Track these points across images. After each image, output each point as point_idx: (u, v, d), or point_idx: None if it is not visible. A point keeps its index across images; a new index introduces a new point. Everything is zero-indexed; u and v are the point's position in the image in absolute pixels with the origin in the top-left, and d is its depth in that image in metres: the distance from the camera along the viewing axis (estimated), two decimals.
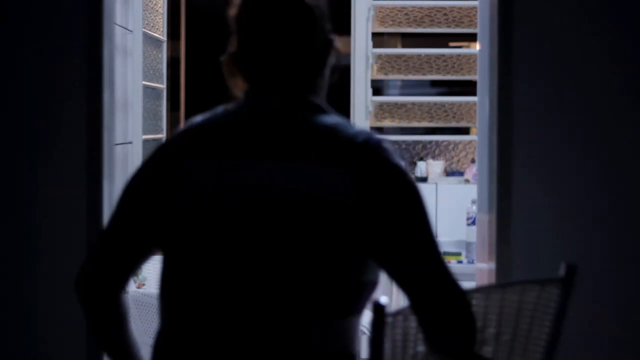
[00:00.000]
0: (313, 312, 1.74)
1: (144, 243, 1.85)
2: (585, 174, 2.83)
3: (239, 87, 1.87)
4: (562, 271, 1.99)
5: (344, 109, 6.29)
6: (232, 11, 1.81)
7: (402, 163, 1.76)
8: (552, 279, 2.05)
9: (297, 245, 1.73)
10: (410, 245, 1.75)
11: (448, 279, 1.75)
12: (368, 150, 1.75)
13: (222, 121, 1.84)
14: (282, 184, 1.75)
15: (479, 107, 3.04)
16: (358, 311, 1.79)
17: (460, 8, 5.94)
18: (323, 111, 1.81)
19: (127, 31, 5.12)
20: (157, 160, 1.84)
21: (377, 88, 6.34)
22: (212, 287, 1.77)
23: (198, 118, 1.88)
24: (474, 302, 1.95)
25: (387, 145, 1.78)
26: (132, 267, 1.86)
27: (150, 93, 5.40)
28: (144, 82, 5.15)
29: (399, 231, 1.75)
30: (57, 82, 2.86)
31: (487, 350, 2.08)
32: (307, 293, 1.74)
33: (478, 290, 2.01)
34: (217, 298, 1.76)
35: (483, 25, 3.00)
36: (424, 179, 5.76)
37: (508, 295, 2.06)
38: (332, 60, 1.83)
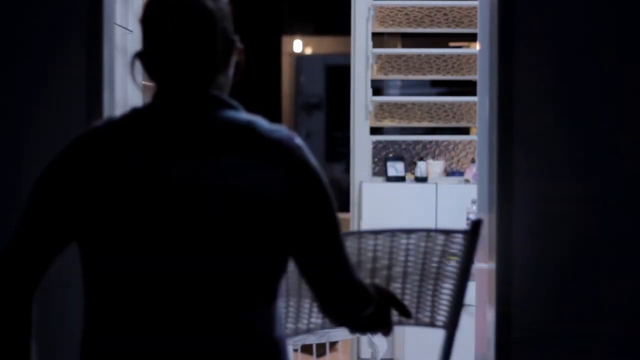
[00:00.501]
0: (245, 300, 1.86)
1: (56, 242, 1.92)
2: (585, 174, 2.83)
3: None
4: (468, 226, 2.37)
5: (344, 108, 6.29)
6: (140, 15, 1.92)
7: (315, 161, 1.92)
8: (456, 230, 2.42)
9: (232, 235, 1.83)
10: (320, 240, 1.91)
11: (346, 271, 1.94)
12: (290, 146, 1.88)
13: (135, 123, 1.92)
14: (208, 180, 1.83)
15: (479, 107, 3.04)
16: (279, 297, 1.94)
17: (460, 8, 5.94)
18: (234, 108, 1.90)
19: (127, 31, 5.12)
20: (67, 164, 1.89)
21: (377, 88, 6.35)
22: (140, 285, 1.84)
23: (103, 120, 1.96)
24: (370, 242, 2.46)
25: (302, 143, 1.91)
26: (43, 264, 1.95)
27: (150, 93, 5.40)
28: (144, 82, 5.15)
29: (313, 226, 1.90)
30: (57, 82, 2.86)
31: (395, 287, 2.43)
32: (238, 281, 1.85)
33: (369, 232, 2.46)
34: (145, 295, 1.84)
35: (483, 25, 3.00)
36: (424, 179, 5.76)
37: (413, 240, 2.44)
38: (234, 60, 1.94)
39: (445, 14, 5.97)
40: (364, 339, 4.87)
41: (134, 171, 1.83)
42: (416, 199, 5.65)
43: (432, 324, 2.48)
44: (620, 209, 2.84)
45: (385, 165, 5.91)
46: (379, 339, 4.10)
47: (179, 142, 1.85)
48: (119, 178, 1.83)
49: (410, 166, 5.97)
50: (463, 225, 5.10)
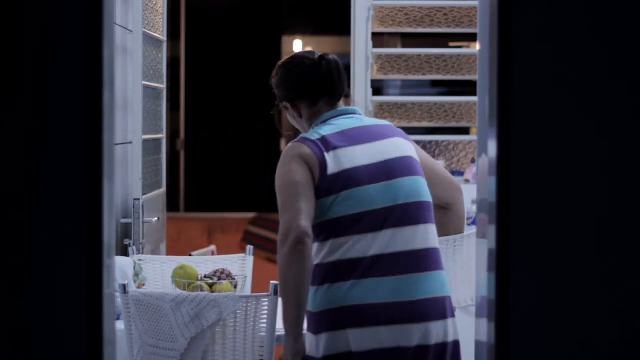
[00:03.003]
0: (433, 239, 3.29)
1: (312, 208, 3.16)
2: (585, 174, 2.83)
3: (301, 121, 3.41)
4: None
5: None
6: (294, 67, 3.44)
7: None
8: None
9: (414, 186, 3.28)
10: None
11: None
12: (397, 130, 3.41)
13: (339, 128, 3.30)
14: (390, 152, 3.27)
15: (479, 107, 3.04)
16: None
17: (460, 8, 5.94)
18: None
19: (127, 31, 5.12)
20: (304, 155, 3.22)
21: (377, 88, 6.34)
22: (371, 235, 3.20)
23: (324, 130, 3.32)
24: None
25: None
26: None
27: (150, 93, 5.40)
28: (144, 82, 5.15)
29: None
30: (57, 82, 2.86)
31: None
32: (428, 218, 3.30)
33: None
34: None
35: (483, 25, 3.00)
36: None
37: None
38: None
39: (445, 14, 5.97)
40: None
41: (354, 154, 3.22)
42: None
43: None
44: (622, 209, 2.83)
45: None
46: None
47: (364, 134, 3.28)
48: (346, 159, 3.23)
49: None
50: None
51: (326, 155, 3.22)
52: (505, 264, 2.78)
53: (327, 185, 3.20)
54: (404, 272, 3.15)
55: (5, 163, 2.88)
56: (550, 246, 2.81)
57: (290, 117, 3.44)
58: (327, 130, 3.28)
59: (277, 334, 3.67)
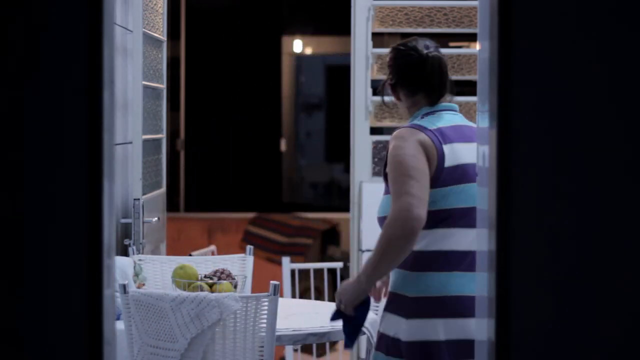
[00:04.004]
0: None
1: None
2: (585, 174, 2.83)
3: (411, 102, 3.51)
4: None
5: (344, 108, 6.29)
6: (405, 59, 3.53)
7: None
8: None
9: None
10: None
11: None
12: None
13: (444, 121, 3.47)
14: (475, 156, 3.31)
15: (479, 106, 3.04)
16: None
17: (460, 8, 5.94)
18: None
19: (127, 31, 5.12)
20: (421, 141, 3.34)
21: (377, 88, 6.33)
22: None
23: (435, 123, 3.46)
24: None
25: None
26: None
27: (150, 93, 5.40)
28: (144, 82, 5.15)
29: None
30: (57, 82, 2.86)
31: None
32: None
33: None
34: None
35: (483, 25, 3.00)
36: None
37: None
38: None
39: (445, 14, 5.97)
40: (364, 338, 4.87)
41: (456, 149, 3.37)
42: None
43: None
44: (623, 209, 2.83)
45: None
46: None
47: (462, 133, 3.45)
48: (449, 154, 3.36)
49: None
50: None
51: (444, 147, 3.37)
52: (505, 264, 2.79)
53: (443, 177, 3.35)
54: (481, 269, 3.34)
55: (5, 163, 2.88)
56: (550, 246, 2.81)
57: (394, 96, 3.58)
58: (440, 123, 3.43)
59: (277, 334, 3.67)
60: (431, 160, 3.33)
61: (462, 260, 3.33)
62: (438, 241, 3.34)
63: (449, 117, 3.47)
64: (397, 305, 3.33)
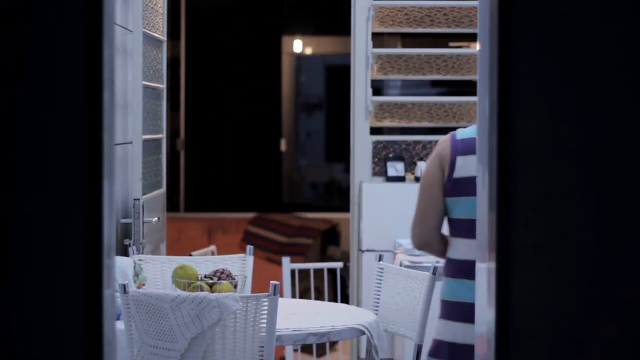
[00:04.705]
0: None
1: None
2: (585, 174, 2.83)
3: None
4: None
5: (344, 108, 6.29)
6: None
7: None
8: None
9: None
10: None
11: None
12: None
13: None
14: None
15: (479, 107, 3.04)
16: None
17: (460, 8, 5.94)
18: None
19: (127, 31, 5.12)
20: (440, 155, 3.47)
21: (377, 88, 6.34)
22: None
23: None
24: None
25: None
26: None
27: (150, 93, 5.41)
28: (144, 82, 5.15)
29: None
30: (57, 82, 2.86)
31: None
32: None
33: None
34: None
35: (483, 25, 3.00)
36: None
37: None
38: None
39: (445, 14, 5.97)
40: (364, 338, 4.87)
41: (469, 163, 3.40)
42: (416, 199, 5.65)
43: None
44: (622, 207, 2.84)
45: (385, 165, 5.91)
46: (378, 339, 4.10)
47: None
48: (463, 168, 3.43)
49: (410, 166, 5.96)
50: None
51: (459, 158, 3.49)
52: (505, 257, 2.79)
53: (451, 186, 3.48)
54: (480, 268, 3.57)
55: (5, 163, 2.88)
56: (550, 246, 2.81)
57: None
58: (465, 134, 3.56)
59: (277, 334, 3.67)
60: (445, 170, 3.48)
61: (473, 269, 3.43)
62: (455, 250, 3.52)
63: (473, 128, 3.60)
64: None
